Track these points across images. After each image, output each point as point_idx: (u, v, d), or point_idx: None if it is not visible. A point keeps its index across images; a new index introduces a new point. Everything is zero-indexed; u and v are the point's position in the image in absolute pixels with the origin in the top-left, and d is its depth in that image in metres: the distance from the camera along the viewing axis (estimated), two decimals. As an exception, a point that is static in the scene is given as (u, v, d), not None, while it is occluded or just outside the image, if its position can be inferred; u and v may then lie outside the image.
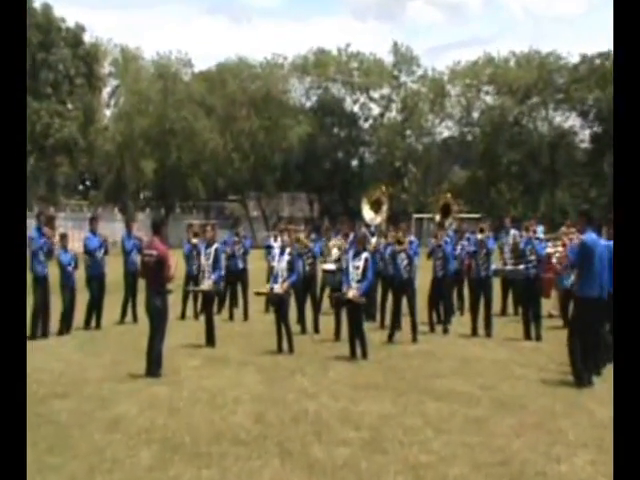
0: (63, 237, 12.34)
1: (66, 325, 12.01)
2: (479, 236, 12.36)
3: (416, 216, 44.23)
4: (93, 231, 12.96)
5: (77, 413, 6.99)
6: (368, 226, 13.76)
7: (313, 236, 14.26)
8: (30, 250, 11.15)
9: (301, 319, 12.31)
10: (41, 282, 11.47)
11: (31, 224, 10.47)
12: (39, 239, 11.50)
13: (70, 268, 12.07)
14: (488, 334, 11.87)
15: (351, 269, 10.04)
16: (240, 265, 14.36)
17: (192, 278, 13.76)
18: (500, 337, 11.76)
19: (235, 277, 14.37)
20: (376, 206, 13.63)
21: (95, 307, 12.70)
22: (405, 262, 11.51)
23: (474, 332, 11.95)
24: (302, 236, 12.82)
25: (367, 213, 13.71)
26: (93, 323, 12.70)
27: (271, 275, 11.26)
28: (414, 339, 11.33)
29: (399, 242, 11.53)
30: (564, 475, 5.37)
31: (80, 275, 12.57)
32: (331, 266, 13.31)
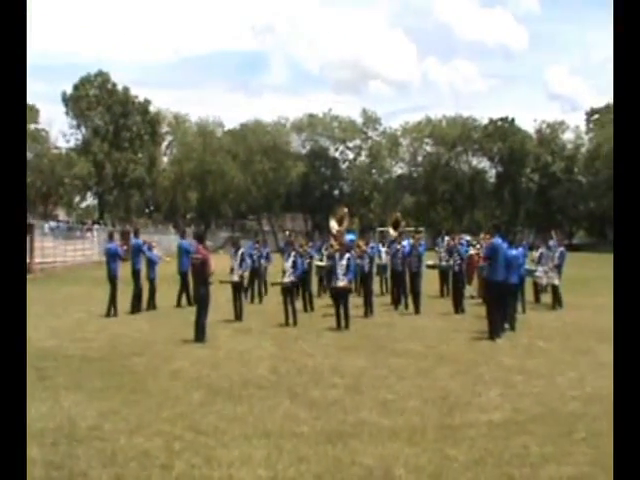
0: (150, 244, 12.41)
1: (138, 305, 11.69)
2: (413, 242, 12.62)
3: (379, 229, 44.19)
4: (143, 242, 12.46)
5: (149, 366, 6.96)
6: (334, 236, 13.35)
7: (311, 244, 15.09)
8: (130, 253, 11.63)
9: (304, 299, 12.32)
10: (137, 274, 11.59)
11: (117, 237, 10.46)
12: (142, 245, 11.83)
13: (156, 265, 12.17)
14: (416, 310, 11.52)
15: (338, 267, 10.01)
16: (256, 265, 13.94)
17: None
18: (438, 312, 11.64)
19: (253, 274, 14.00)
20: (341, 220, 13.42)
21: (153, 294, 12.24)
22: (367, 260, 11.78)
23: (416, 310, 11.60)
24: (304, 243, 13.10)
25: (332, 224, 13.43)
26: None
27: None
28: (370, 312, 11.20)
29: (359, 247, 11.71)
30: (483, 403, 5.41)
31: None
32: (322, 263, 13.45)
